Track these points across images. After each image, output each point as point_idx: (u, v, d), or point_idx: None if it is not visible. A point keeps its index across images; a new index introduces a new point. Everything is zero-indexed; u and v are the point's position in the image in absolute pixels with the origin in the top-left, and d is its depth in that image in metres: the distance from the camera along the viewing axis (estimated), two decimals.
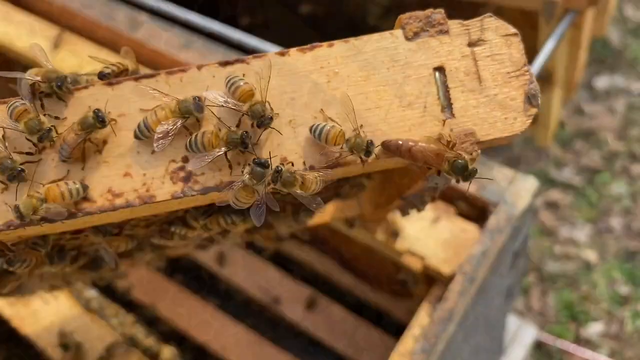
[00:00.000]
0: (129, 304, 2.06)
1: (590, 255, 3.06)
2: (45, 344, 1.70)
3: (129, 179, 0.75)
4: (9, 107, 0.74)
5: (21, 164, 0.75)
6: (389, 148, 0.77)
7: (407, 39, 0.80)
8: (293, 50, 0.78)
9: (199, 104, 0.75)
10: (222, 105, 0.75)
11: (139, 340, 1.79)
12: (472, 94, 0.79)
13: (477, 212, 1.60)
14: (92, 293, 1.84)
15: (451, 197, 1.65)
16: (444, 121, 0.78)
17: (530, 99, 0.80)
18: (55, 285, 1.31)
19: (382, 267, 1.77)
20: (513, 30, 0.82)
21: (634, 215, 3.15)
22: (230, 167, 0.76)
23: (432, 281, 1.59)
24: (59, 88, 0.75)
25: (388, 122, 0.78)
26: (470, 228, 1.58)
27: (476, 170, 0.78)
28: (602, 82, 3.59)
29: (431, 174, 0.82)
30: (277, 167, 0.74)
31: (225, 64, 0.77)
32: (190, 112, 0.75)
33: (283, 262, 2.16)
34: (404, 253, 1.58)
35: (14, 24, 1.99)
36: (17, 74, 0.78)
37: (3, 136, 0.76)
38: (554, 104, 2.17)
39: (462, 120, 0.78)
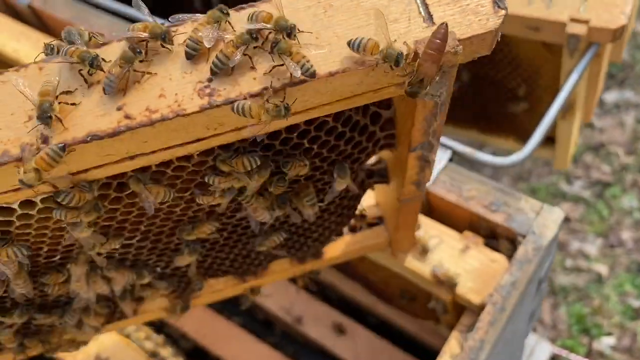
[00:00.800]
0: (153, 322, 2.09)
1: (601, 268, 3.10)
2: None
3: (163, 99, 0.88)
4: (62, 50, 0.89)
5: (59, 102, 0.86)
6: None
7: None
8: None
9: (222, 8, 0.90)
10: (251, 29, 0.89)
11: None
12: (448, 6, 0.91)
13: (505, 243, 1.65)
14: None
15: (479, 229, 1.69)
16: (427, 28, 0.91)
17: (498, 3, 0.91)
18: (101, 295, 1.35)
19: (412, 293, 1.81)
20: None
21: None
22: (253, 65, 0.89)
23: (461, 309, 1.63)
24: (163, 40, 0.90)
25: (378, 36, 0.89)
26: (498, 258, 1.62)
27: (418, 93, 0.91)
28: (612, 96, 3.64)
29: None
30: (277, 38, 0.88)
31: (239, 9, 0.92)
32: (219, 18, 0.90)
33: None
34: (434, 282, 1.61)
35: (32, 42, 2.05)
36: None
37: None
38: (574, 131, 2.21)
39: None
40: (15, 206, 1.00)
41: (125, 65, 0.87)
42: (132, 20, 2.16)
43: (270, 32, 0.89)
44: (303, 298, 2.15)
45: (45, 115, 0.84)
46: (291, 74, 0.88)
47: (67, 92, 0.88)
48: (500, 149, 2.79)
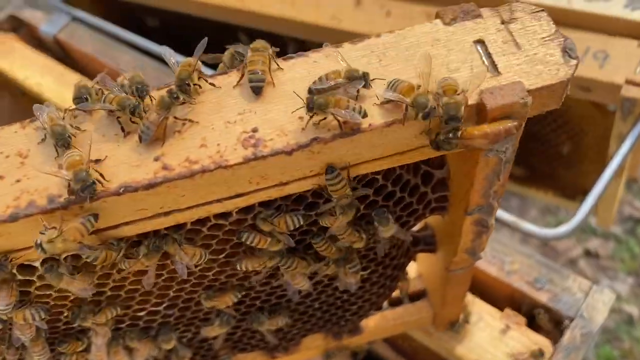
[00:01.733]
0: None
1: (632, 309, 2.92)
2: None
3: (205, 149, 0.82)
4: (103, 98, 0.86)
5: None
6: None
7: (445, 24, 0.90)
8: (346, 44, 0.89)
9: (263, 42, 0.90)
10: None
11: None
12: (514, 56, 0.86)
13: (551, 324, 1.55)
14: None
15: (520, 305, 1.59)
16: (491, 77, 0.85)
17: (568, 53, 0.86)
18: None
19: None
20: (540, 8, 0.91)
21: None
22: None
23: None
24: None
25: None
26: (542, 341, 1.51)
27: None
28: None
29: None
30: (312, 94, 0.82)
31: (288, 58, 0.89)
32: (265, 47, 0.89)
33: None
34: None
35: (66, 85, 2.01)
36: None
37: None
38: (619, 191, 2.11)
39: (508, 75, 0.85)
40: (37, 264, 0.92)
41: (162, 112, 0.83)
42: (157, 57, 2.12)
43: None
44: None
45: (62, 138, 0.81)
46: (340, 125, 0.82)
47: (97, 161, 0.82)
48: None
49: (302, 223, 0.96)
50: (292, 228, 0.96)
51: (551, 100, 0.87)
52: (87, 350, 1.15)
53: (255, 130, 0.83)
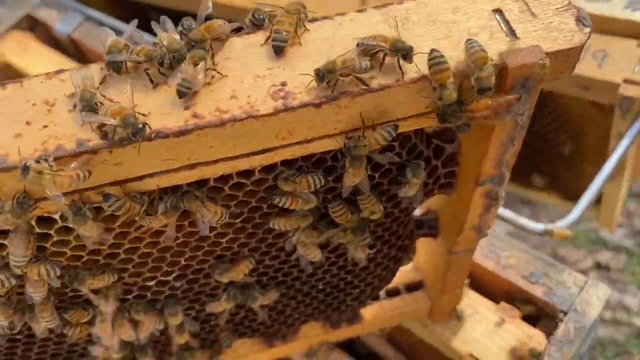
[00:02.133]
0: None
1: None
2: None
3: (235, 100, 0.84)
4: (130, 50, 0.87)
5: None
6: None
7: None
8: (369, 8, 0.93)
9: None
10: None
11: None
12: (530, 23, 0.90)
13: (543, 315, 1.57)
14: None
15: (516, 299, 1.60)
16: (510, 42, 0.89)
17: (582, 22, 0.90)
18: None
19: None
20: None
21: None
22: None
23: None
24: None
25: (460, 47, 0.87)
26: (536, 334, 1.53)
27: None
28: None
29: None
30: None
31: (314, 20, 0.92)
32: (299, 10, 0.91)
33: None
34: (466, 357, 1.51)
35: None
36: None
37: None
38: (622, 192, 2.12)
39: (526, 40, 0.89)
40: (56, 216, 0.92)
41: (200, 62, 0.84)
42: None
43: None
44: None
45: (89, 104, 0.81)
46: (363, 81, 0.85)
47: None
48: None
49: (323, 183, 0.98)
50: (313, 188, 0.97)
51: (565, 66, 0.91)
52: (91, 323, 1.15)
53: (284, 84, 0.85)
